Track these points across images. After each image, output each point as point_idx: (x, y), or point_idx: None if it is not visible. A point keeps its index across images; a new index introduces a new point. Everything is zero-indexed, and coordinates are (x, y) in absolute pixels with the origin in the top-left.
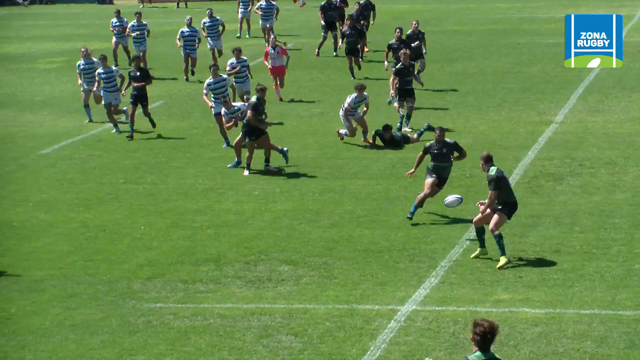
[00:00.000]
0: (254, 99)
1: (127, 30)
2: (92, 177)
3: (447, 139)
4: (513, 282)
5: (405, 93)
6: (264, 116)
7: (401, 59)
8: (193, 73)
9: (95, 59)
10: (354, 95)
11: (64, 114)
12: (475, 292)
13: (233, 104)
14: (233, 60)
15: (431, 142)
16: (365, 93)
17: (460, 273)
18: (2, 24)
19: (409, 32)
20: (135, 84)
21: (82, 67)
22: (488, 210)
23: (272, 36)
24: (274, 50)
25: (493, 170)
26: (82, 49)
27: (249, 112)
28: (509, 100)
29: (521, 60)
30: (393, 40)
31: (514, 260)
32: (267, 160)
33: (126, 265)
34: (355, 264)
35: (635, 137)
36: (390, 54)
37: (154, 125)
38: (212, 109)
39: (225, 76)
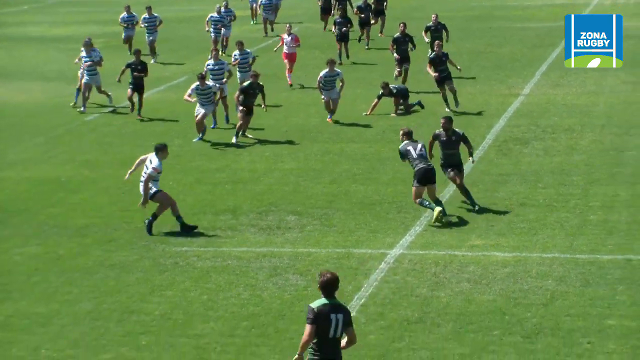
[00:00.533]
0: (246, 83)
1: (140, 23)
2: (127, 140)
3: (456, 129)
4: (485, 230)
5: (442, 79)
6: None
7: (435, 49)
8: (223, 49)
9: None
10: (326, 70)
11: (104, 87)
12: (453, 238)
13: (207, 82)
14: (236, 52)
15: (440, 130)
16: (337, 69)
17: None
18: (52, 10)
19: (429, 24)
20: (135, 74)
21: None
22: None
23: (287, 25)
24: (290, 37)
25: (401, 145)
26: (86, 38)
27: (237, 93)
28: (482, 76)
29: (493, 42)
30: (398, 34)
31: (487, 211)
32: (237, 135)
33: None
34: (351, 215)
35: (591, 107)
36: (395, 47)
37: (139, 111)
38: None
39: (224, 61)
